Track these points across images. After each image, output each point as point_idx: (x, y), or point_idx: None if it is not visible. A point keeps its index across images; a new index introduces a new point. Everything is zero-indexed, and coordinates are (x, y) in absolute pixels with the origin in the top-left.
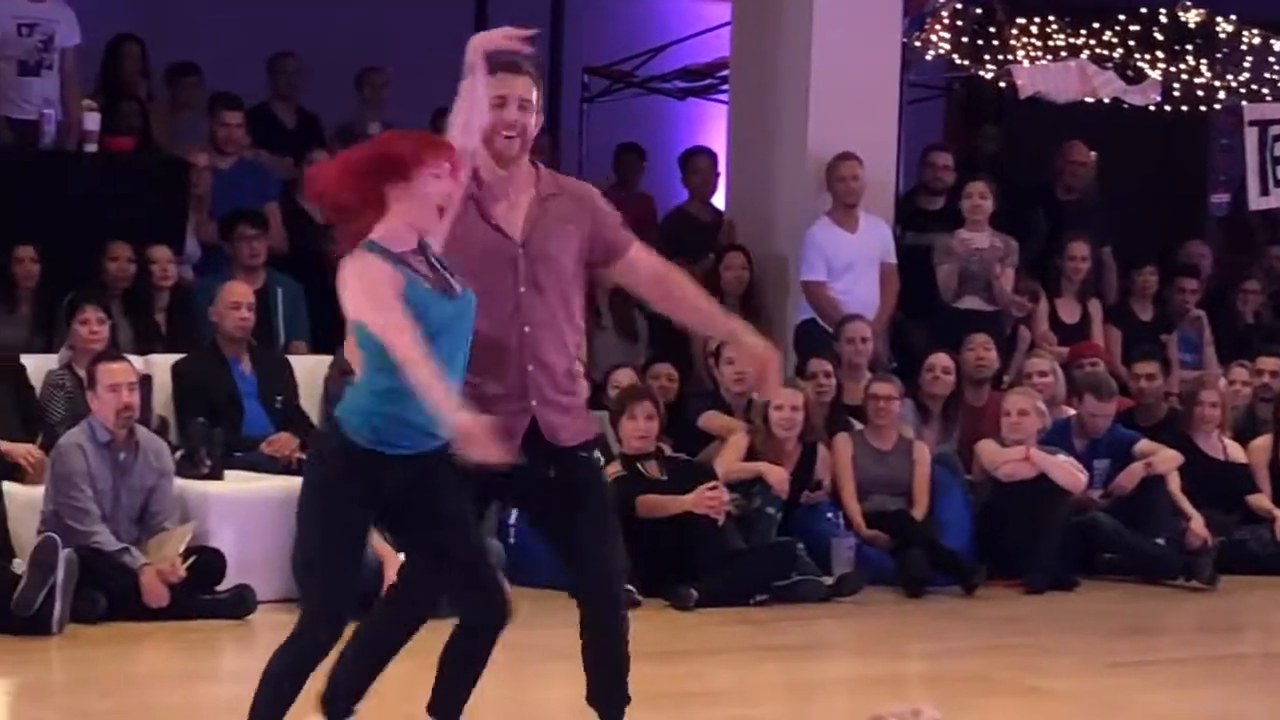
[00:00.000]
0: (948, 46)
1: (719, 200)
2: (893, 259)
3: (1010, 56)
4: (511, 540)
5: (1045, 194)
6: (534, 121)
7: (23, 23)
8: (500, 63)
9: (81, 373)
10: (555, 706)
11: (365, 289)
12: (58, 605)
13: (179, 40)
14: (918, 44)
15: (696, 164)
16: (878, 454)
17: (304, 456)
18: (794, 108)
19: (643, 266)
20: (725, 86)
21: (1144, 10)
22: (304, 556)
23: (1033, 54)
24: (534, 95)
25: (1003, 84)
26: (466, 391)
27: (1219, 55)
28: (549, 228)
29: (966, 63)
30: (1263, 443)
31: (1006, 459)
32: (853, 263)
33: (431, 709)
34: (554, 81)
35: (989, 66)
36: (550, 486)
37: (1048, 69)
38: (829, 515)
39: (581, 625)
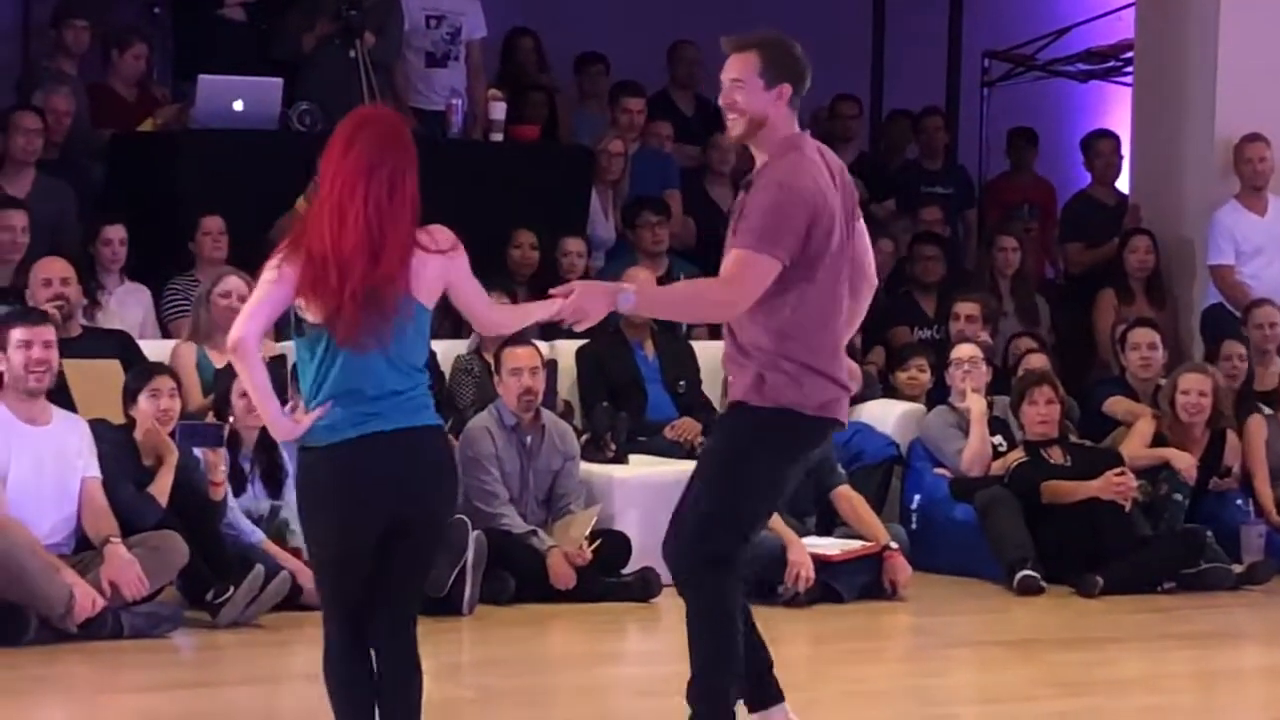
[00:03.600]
0: None
1: (1122, 184)
2: None
3: None
4: (914, 525)
5: None
6: (747, 97)
7: (431, 15)
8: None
9: (489, 358)
10: (957, 691)
11: None
12: (468, 586)
13: (582, 31)
14: None
15: (1100, 148)
16: None
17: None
18: (1201, 89)
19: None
20: (1129, 69)
21: None
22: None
23: None
24: (751, 69)
25: None
26: None
27: None
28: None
29: None
30: None
31: None
32: (1262, 246)
33: None
34: (952, 65)
35: None
36: None
37: None
38: (1238, 502)
39: None
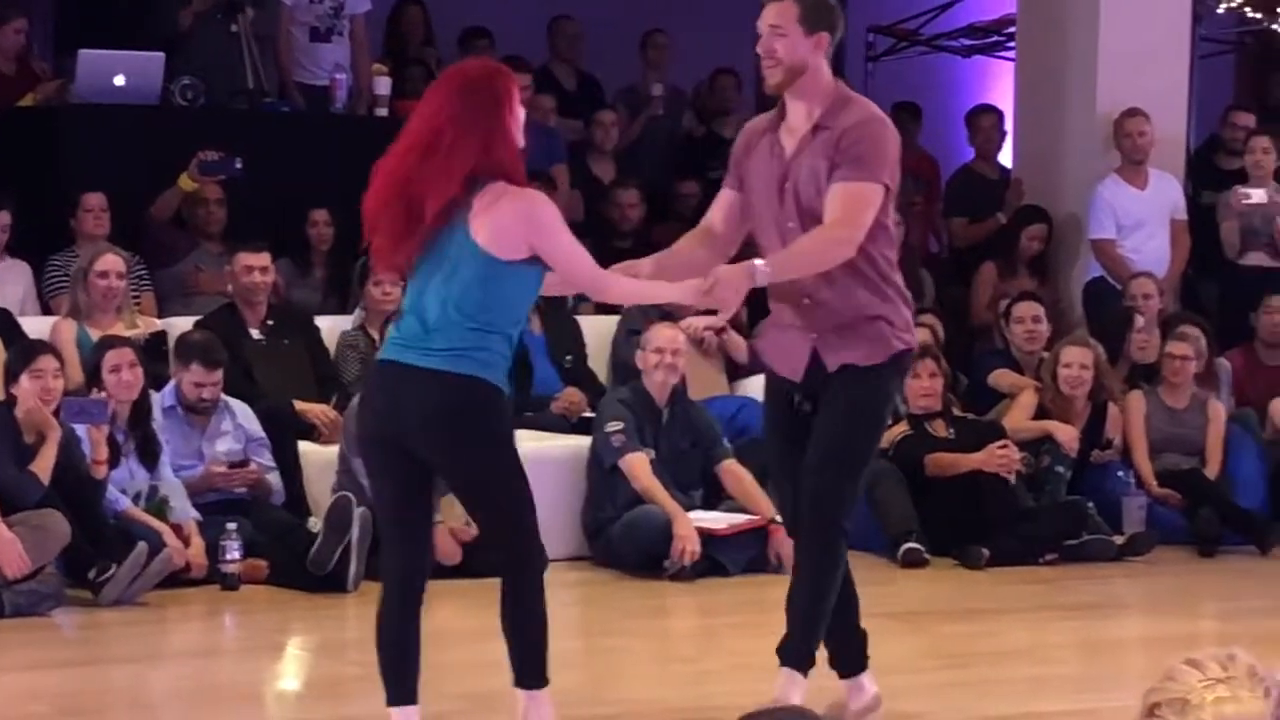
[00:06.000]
0: None
1: (1005, 158)
2: (1183, 215)
3: None
4: None
5: None
6: (788, 45)
7: None
8: None
9: (374, 333)
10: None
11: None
12: (353, 563)
13: (464, 4)
14: None
15: (982, 122)
16: (1171, 412)
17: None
18: (1082, 64)
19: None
20: (1011, 44)
21: None
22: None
23: None
24: (790, 17)
25: None
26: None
27: None
28: (807, 161)
29: (1259, 15)
30: None
31: None
32: (1143, 220)
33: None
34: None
35: None
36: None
37: None
38: (1120, 474)
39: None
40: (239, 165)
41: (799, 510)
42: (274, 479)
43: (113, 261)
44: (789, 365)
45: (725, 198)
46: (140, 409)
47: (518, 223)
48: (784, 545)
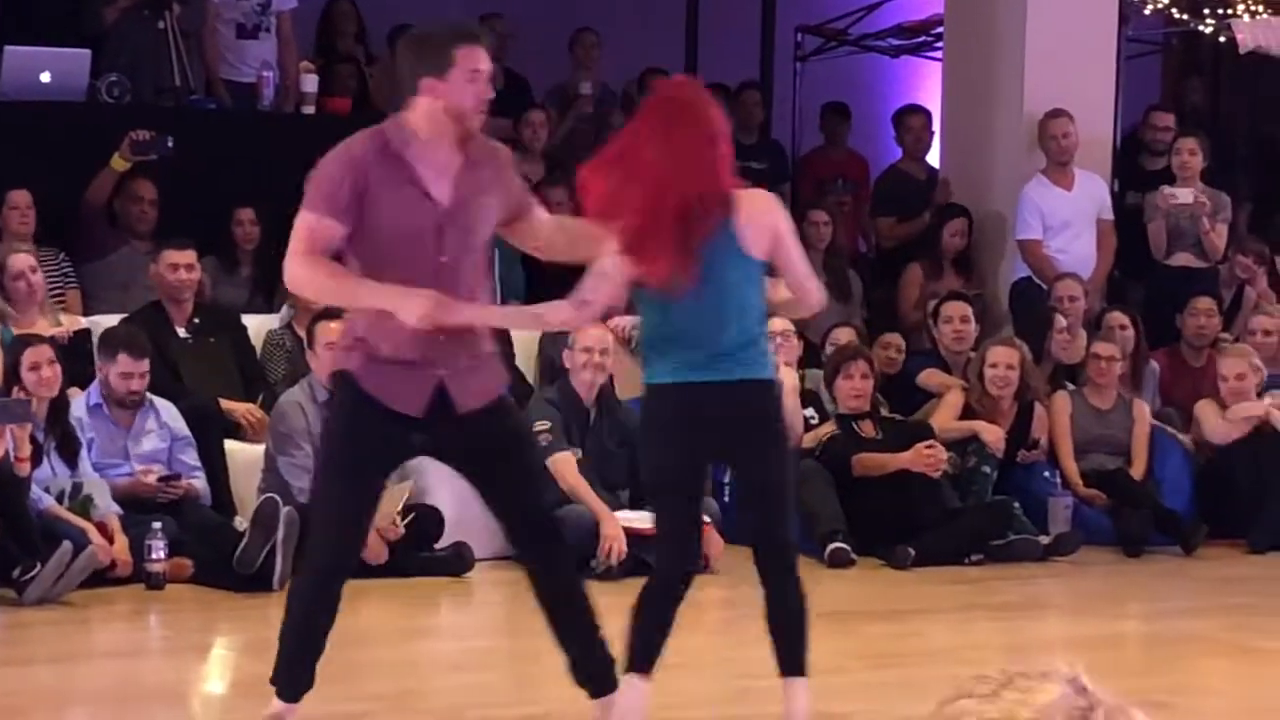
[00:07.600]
0: (1166, 0)
1: (933, 158)
2: (1109, 216)
3: (1230, 10)
4: (726, 498)
5: (1266, 149)
6: None
7: None
8: (464, 33)
9: (301, 332)
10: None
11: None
12: (278, 563)
13: (393, 2)
14: None
15: (910, 122)
16: (1097, 413)
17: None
18: (1010, 64)
19: (543, 223)
20: (940, 44)
21: None
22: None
23: (1253, 7)
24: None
25: (1222, 38)
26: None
27: None
28: (473, 197)
29: (1185, 17)
30: None
31: (1245, 413)
32: (1069, 220)
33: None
34: (766, 39)
35: (1208, 21)
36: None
37: (1269, 23)
38: (1046, 474)
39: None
40: (170, 144)
41: (519, 529)
42: (201, 484)
43: (22, 260)
44: (409, 402)
45: None
46: (58, 406)
47: (776, 226)
48: (711, 544)
